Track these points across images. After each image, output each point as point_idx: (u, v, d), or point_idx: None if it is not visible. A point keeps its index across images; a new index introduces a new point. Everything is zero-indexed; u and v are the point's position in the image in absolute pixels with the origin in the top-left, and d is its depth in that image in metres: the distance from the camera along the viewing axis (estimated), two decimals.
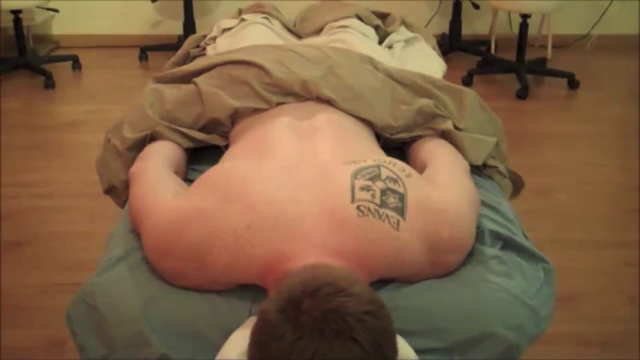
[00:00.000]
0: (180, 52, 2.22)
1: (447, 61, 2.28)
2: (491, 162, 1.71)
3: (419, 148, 1.67)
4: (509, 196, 1.77)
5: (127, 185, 1.59)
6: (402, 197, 1.26)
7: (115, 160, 1.66)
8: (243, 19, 2.22)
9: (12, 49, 4.42)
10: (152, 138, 1.65)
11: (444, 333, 1.24)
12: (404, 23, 2.31)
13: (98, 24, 4.80)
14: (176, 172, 1.57)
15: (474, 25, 4.88)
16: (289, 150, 1.41)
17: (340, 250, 1.21)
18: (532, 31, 4.42)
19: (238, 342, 1.12)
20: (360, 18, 2.22)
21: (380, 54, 1.98)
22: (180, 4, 4.58)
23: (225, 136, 1.69)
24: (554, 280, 1.38)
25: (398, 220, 1.24)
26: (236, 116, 1.66)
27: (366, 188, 1.25)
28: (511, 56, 4.27)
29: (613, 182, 3.04)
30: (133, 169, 1.57)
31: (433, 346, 1.23)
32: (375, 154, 1.45)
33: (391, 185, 1.27)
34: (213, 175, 1.34)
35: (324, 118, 1.57)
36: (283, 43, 2.05)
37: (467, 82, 4.17)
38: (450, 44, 4.65)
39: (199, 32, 2.36)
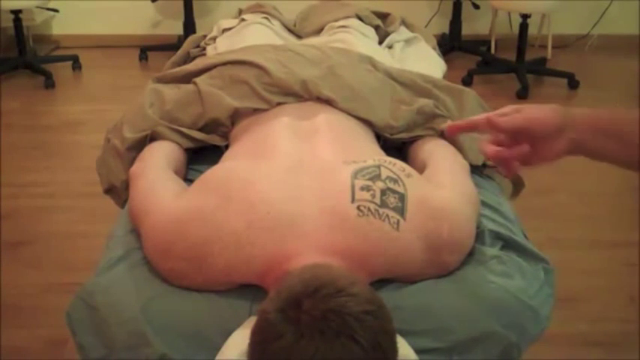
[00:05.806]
0: (180, 52, 2.22)
1: (447, 61, 2.28)
2: (491, 162, 1.71)
3: (419, 148, 1.67)
4: (509, 197, 1.77)
5: (127, 185, 1.59)
6: (402, 197, 1.26)
7: (115, 160, 1.66)
8: (243, 19, 2.22)
9: (12, 49, 4.42)
10: (152, 138, 1.65)
11: (444, 333, 1.24)
12: (404, 23, 2.32)
13: (98, 24, 4.80)
14: (176, 172, 1.57)
15: (474, 25, 4.87)
16: (289, 150, 1.41)
17: (340, 249, 1.21)
18: (532, 31, 4.42)
19: (238, 342, 1.12)
20: (360, 18, 2.22)
21: (380, 54, 1.98)
22: (180, 4, 4.58)
23: (225, 136, 1.69)
24: (554, 280, 1.38)
25: (398, 220, 1.24)
26: (236, 116, 1.66)
27: (366, 188, 1.25)
28: (511, 56, 4.27)
29: (613, 182, 3.04)
30: (133, 169, 1.57)
31: (433, 346, 1.23)
32: (375, 154, 1.45)
33: (391, 185, 1.27)
34: (213, 175, 1.34)
35: (324, 118, 1.57)
36: (283, 43, 2.05)
37: (467, 82, 4.16)
38: (450, 44, 4.65)
39: (199, 32, 2.36)
